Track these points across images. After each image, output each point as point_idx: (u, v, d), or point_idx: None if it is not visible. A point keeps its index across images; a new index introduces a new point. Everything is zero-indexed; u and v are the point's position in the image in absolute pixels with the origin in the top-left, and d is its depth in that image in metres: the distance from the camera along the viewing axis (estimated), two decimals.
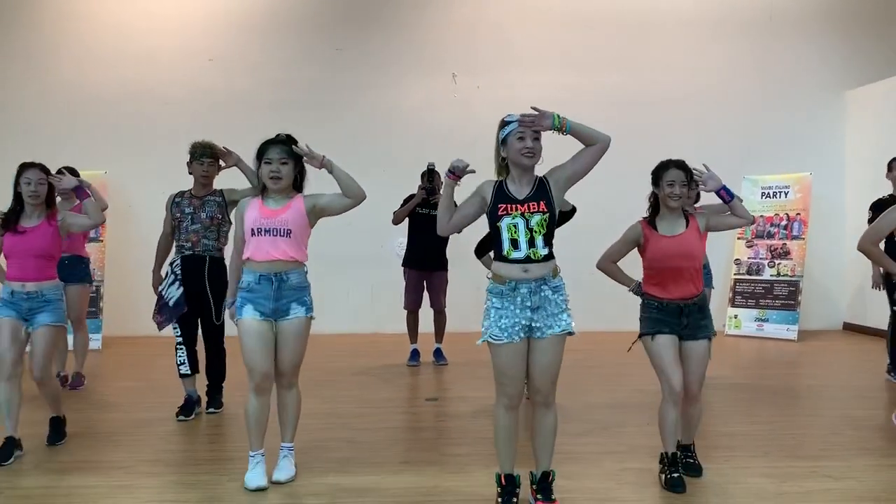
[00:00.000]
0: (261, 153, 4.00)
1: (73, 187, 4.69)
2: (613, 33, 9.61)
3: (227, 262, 4.38)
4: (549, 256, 3.50)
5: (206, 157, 5.35)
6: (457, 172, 3.60)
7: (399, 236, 7.92)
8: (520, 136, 3.46)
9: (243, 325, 3.94)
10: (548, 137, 3.50)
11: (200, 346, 5.51)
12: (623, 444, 4.69)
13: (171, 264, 5.39)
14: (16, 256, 4.47)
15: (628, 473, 4.15)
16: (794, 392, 6.41)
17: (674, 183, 3.94)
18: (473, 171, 3.62)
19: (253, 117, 8.49)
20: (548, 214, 3.46)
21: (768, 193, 9.54)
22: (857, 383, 6.56)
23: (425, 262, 7.24)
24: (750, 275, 9.47)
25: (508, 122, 3.49)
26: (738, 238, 9.52)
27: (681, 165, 4.00)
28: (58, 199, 4.89)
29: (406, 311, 7.39)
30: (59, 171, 4.89)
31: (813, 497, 3.82)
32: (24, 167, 4.54)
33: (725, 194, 4.03)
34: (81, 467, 4.30)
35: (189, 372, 5.44)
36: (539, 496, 3.60)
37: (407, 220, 7.23)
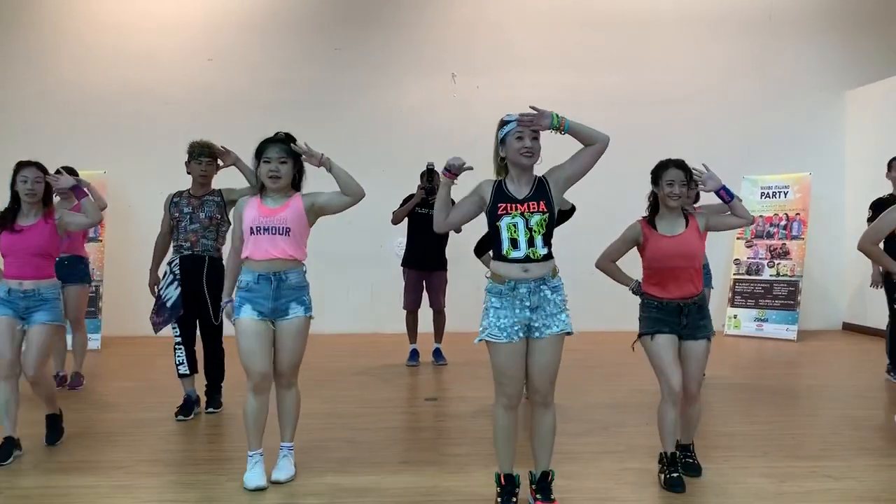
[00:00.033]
0: (259, 152, 3.99)
1: (70, 186, 4.68)
2: (613, 33, 9.61)
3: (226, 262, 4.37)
4: (549, 256, 3.50)
5: (204, 156, 5.34)
6: (453, 170, 3.58)
7: (398, 236, 7.92)
8: (518, 135, 3.45)
9: (241, 325, 3.93)
10: (547, 137, 3.49)
11: (199, 346, 5.51)
12: (622, 444, 4.69)
13: (169, 264, 5.38)
14: (13, 255, 4.46)
15: (627, 473, 4.15)
16: (794, 392, 6.41)
17: (673, 182, 3.93)
18: (471, 168, 3.60)
19: (252, 117, 8.46)
20: (547, 214, 3.46)
21: (768, 193, 9.54)
22: (856, 383, 6.56)
23: (425, 261, 7.24)
24: (749, 275, 9.46)
25: (507, 122, 3.49)
26: (738, 238, 9.51)
27: (680, 165, 3.99)
28: (57, 199, 4.89)
29: (405, 311, 7.39)
30: (57, 171, 4.88)
31: (813, 497, 3.82)
32: (20, 165, 4.53)
33: (725, 194, 4.02)
34: (80, 467, 4.29)
35: (188, 372, 5.44)
36: (538, 496, 3.60)
37: (406, 219, 7.22)
